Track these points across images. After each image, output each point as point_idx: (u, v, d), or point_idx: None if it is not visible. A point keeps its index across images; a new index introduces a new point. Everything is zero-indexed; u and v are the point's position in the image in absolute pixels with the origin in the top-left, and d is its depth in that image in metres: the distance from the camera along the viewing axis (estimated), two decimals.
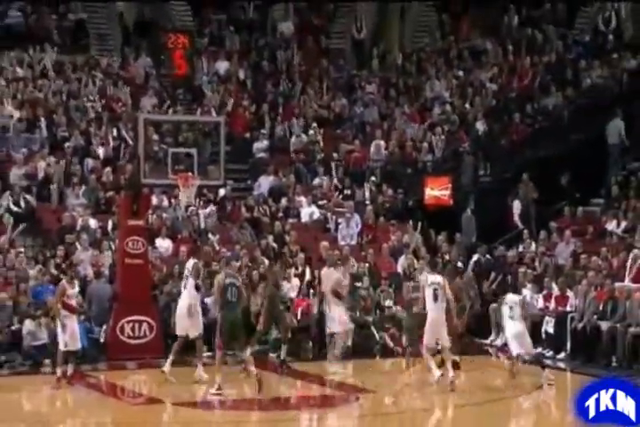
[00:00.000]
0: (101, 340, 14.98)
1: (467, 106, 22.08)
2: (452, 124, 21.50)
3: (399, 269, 17.64)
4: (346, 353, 15.21)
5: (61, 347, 13.10)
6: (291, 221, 18.63)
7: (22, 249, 16.18)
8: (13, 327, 14.66)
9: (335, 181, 20.12)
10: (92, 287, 15.46)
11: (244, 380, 13.36)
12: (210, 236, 17.49)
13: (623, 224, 17.81)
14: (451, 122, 21.59)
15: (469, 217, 19.38)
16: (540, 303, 16.24)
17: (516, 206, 19.48)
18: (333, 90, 22.85)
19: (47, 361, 14.51)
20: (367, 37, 25.25)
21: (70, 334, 13.11)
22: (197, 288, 13.52)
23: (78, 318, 13.51)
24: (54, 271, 15.85)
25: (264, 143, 20.86)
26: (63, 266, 15.77)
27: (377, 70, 23.91)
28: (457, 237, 18.61)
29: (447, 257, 17.41)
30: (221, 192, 18.81)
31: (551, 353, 15.57)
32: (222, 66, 22.90)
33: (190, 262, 13.68)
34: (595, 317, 15.21)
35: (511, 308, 13.41)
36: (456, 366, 13.68)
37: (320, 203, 19.33)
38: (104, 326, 15.09)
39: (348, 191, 19.70)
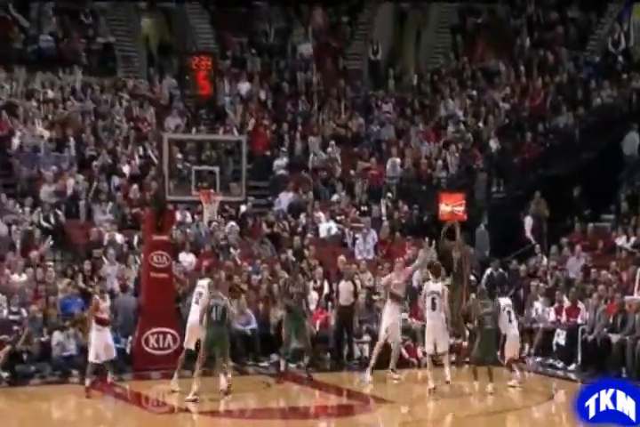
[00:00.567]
0: (127, 351, 15.08)
1: (480, 124, 22.16)
2: (466, 142, 21.59)
3: (414, 283, 17.65)
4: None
5: (92, 359, 13.24)
6: (309, 236, 18.73)
7: (52, 263, 16.35)
8: (43, 339, 14.81)
9: (353, 197, 20.25)
10: (119, 300, 15.59)
11: (264, 390, 13.45)
12: (231, 250, 17.61)
13: (633, 239, 17.84)
14: (465, 140, 21.68)
15: (483, 232, 19.42)
16: (552, 316, 16.24)
17: (528, 222, 19.51)
18: (351, 109, 23.00)
19: (75, 372, 14.67)
20: (383, 58, 25.45)
21: (105, 346, 13.30)
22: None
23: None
24: (82, 285, 16.02)
25: (284, 161, 21.02)
26: (94, 280, 15.91)
27: (393, 90, 24.07)
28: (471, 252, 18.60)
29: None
30: (243, 208, 18.96)
31: (562, 364, 15.57)
32: (244, 87, 23.11)
33: (205, 281, 13.68)
34: (605, 329, 15.22)
35: (509, 312, 13.50)
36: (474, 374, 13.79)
37: (338, 218, 19.45)
38: (130, 338, 15.20)
39: (364, 207, 19.82)
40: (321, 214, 19.39)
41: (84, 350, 14.71)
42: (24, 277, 15.84)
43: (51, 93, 21.22)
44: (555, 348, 15.79)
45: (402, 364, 15.67)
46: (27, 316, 14.87)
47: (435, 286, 13.43)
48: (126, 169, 19.51)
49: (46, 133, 19.81)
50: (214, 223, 18.12)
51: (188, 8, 25.41)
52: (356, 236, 18.89)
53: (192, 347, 13.55)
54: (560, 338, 15.78)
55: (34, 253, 16.38)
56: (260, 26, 25.46)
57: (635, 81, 21.98)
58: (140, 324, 15.29)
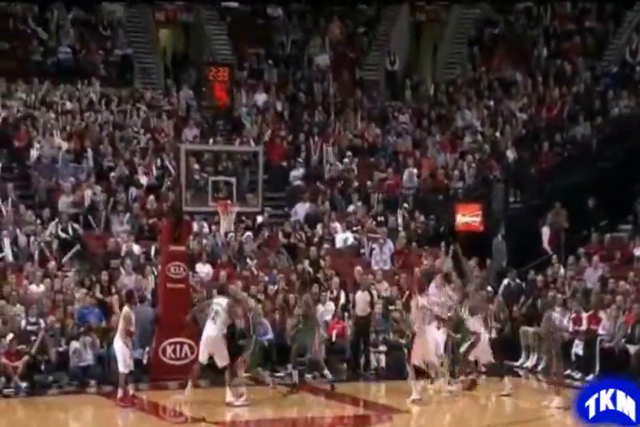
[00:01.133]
0: (144, 361, 15.15)
1: (497, 135, 22.15)
2: (483, 153, 21.59)
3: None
4: None
5: (123, 369, 13.36)
6: (326, 246, 18.77)
7: (69, 273, 16.45)
8: (61, 349, 14.91)
9: (370, 207, 20.28)
10: (136, 311, 15.57)
11: (280, 399, 13.50)
12: (248, 261, 17.68)
13: None
14: (481, 150, 21.68)
15: (500, 242, 19.39)
16: (570, 326, 16.21)
17: (546, 232, 19.48)
18: (367, 120, 23.05)
19: (93, 382, 14.77)
20: (400, 69, 25.53)
21: (131, 357, 13.43)
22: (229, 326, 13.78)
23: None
24: (99, 295, 16.12)
25: (300, 171, 21.09)
26: (111, 291, 16.01)
27: (410, 101, 24.12)
28: (487, 263, 18.63)
29: (478, 281, 17.41)
30: (259, 219, 19.04)
31: (580, 375, 15.54)
32: (261, 98, 23.23)
33: (223, 300, 13.72)
34: (623, 340, 15.17)
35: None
36: (474, 385, 13.76)
37: (354, 229, 19.49)
38: (147, 348, 15.27)
39: (381, 218, 19.83)
40: (337, 225, 19.45)
41: (101, 360, 14.86)
42: (42, 287, 15.95)
43: (69, 105, 21.39)
44: (573, 358, 15.75)
45: (419, 375, 15.70)
46: (44, 326, 14.96)
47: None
48: (144, 180, 19.63)
49: (64, 145, 19.97)
50: (231, 234, 18.18)
51: (206, 19, 25.58)
52: (373, 246, 18.92)
53: (205, 361, 13.61)
54: (578, 348, 15.75)
55: (52, 264, 16.49)
56: (277, 37, 25.60)
57: None
58: (157, 334, 15.36)
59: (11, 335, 14.61)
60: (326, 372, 14.28)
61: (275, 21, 25.87)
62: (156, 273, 16.59)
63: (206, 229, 18.60)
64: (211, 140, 21.07)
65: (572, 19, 24.92)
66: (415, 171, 21.20)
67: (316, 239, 19.02)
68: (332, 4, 26.16)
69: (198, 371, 13.64)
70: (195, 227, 18.05)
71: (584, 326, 15.98)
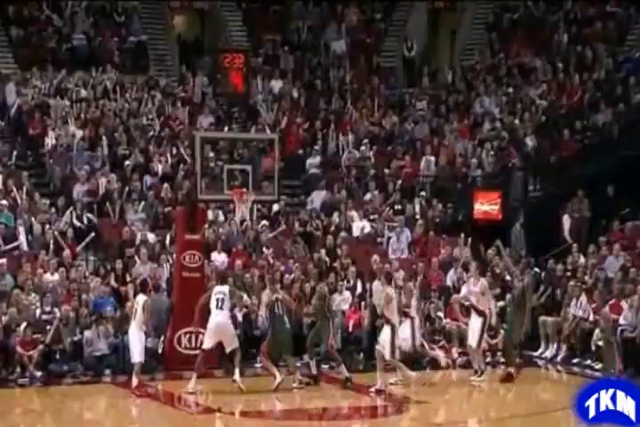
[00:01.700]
0: (159, 351, 15.17)
1: (516, 122, 21.99)
2: (502, 140, 21.45)
3: (448, 283, 17.63)
4: None
5: (140, 359, 13.39)
6: (342, 235, 18.73)
7: (84, 262, 16.48)
8: (76, 338, 14.95)
9: (387, 196, 20.23)
10: (151, 300, 15.64)
11: (297, 390, 13.49)
12: (264, 249, 17.66)
13: None
14: (500, 138, 21.54)
15: (519, 231, 19.30)
16: (591, 317, 16.12)
17: (566, 221, 19.37)
18: (384, 107, 22.95)
19: (107, 371, 14.80)
20: (418, 55, 25.39)
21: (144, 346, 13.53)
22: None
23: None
24: (114, 284, 16.15)
25: (317, 159, 21.04)
26: (126, 279, 16.02)
27: (427, 88, 23.98)
28: (506, 251, 18.52)
29: (497, 271, 17.38)
30: (275, 207, 19.00)
31: (600, 366, 15.43)
32: (277, 85, 23.15)
33: (225, 288, 13.91)
34: None
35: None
36: (510, 377, 13.73)
37: (371, 217, 19.42)
38: (162, 338, 15.28)
39: (398, 206, 19.76)
40: (354, 213, 19.38)
41: (115, 350, 14.88)
42: (56, 276, 15.99)
43: (83, 92, 21.39)
44: (593, 348, 15.65)
45: (436, 365, 15.69)
46: (58, 315, 15.00)
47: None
48: (158, 168, 19.62)
49: (79, 133, 19.98)
50: (246, 222, 18.17)
51: (221, 6, 25.50)
52: (390, 235, 18.87)
53: (210, 347, 13.66)
54: (599, 339, 15.63)
55: (66, 253, 16.52)
56: (293, 23, 25.49)
57: None
58: (172, 324, 15.38)
59: (25, 324, 14.64)
60: (342, 368, 14.17)
61: (291, 7, 25.76)
62: (171, 262, 16.61)
63: (222, 218, 18.59)
64: (226, 128, 21.03)
65: (594, 4, 24.67)
66: (433, 159, 21.11)
67: (332, 228, 18.97)
68: None
69: (203, 361, 13.61)
70: (210, 215, 18.01)
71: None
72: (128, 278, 16.24)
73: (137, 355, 13.55)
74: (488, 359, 15.86)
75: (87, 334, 14.92)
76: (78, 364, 14.79)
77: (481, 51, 25.08)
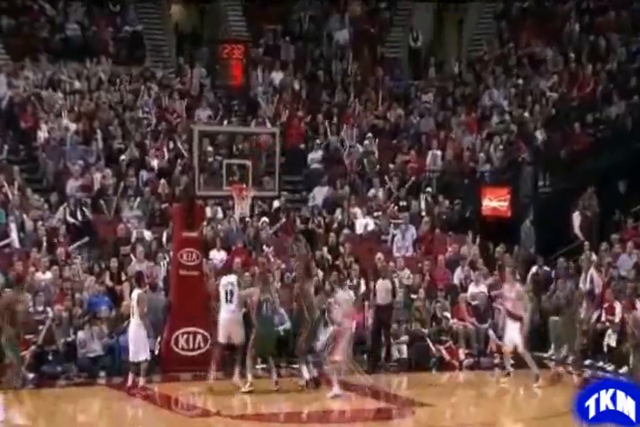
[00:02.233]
0: (156, 351, 15.22)
1: (526, 115, 22.00)
2: (511, 134, 21.46)
3: (455, 282, 17.67)
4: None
5: (145, 357, 13.51)
6: (345, 232, 18.79)
7: (77, 260, 16.52)
8: (69, 339, 14.99)
9: (392, 192, 20.25)
10: (148, 298, 15.68)
11: (297, 393, 13.55)
12: (264, 247, 17.69)
13: None
14: (509, 131, 21.55)
15: (528, 228, 19.31)
16: (602, 316, 16.17)
17: (577, 218, 19.40)
18: (389, 100, 22.98)
19: (102, 373, 14.85)
20: (423, 46, 25.40)
21: (144, 344, 13.61)
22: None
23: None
24: (109, 283, 16.20)
25: (319, 154, 21.07)
26: (122, 278, 16.07)
27: (433, 79, 24.00)
28: (515, 249, 18.57)
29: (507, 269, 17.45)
30: (276, 204, 19.04)
31: (613, 367, 15.48)
32: (277, 76, 23.17)
33: (233, 277, 14.14)
34: None
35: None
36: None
37: (375, 214, 19.47)
38: (159, 338, 15.34)
39: (403, 202, 19.81)
40: (357, 210, 19.43)
41: (110, 351, 14.93)
42: (49, 274, 16.03)
43: (77, 84, 21.42)
44: (605, 349, 15.70)
45: (442, 366, 15.74)
46: (51, 315, 15.06)
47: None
48: (155, 163, 19.66)
49: (73, 126, 20.01)
50: (246, 219, 18.20)
51: None
52: (395, 232, 18.92)
53: (224, 341, 13.77)
54: (611, 339, 15.68)
55: (60, 250, 16.57)
56: (294, 13, 25.50)
57: None
58: (169, 324, 15.41)
59: None
60: (304, 369, 13.99)
61: None
62: (168, 260, 16.63)
63: (220, 215, 18.64)
64: (225, 121, 21.06)
65: None
66: (439, 153, 21.14)
67: (335, 225, 19.02)
68: None
69: (220, 355, 13.69)
70: (208, 212, 18.05)
71: (618, 316, 15.88)
72: (123, 277, 16.28)
73: (142, 353, 13.62)
74: (496, 360, 15.93)
75: (81, 334, 14.95)
76: (72, 365, 14.82)
77: (489, 41, 25.09)
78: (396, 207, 19.70)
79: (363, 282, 17.01)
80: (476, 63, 24.28)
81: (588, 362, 15.94)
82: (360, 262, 17.57)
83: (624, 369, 15.08)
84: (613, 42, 23.23)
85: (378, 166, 20.92)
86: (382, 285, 15.88)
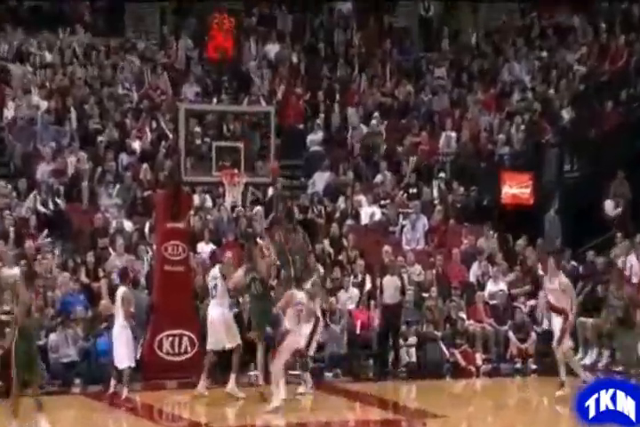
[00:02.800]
0: (137, 356, 15.15)
1: (550, 92, 21.99)
2: (534, 113, 21.41)
3: (472, 278, 17.63)
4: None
5: (128, 364, 13.38)
6: (349, 222, 18.75)
7: (49, 255, 16.46)
8: (41, 342, 14.89)
9: (401, 177, 20.18)
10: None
11: (295, 402, 13.51)
12: (258, 240, 17.62)
13: None
14: (532, 110, 21.50)
15: (553, 218, 19.31)
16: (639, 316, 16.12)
17: (608, 206, 19.37)
18: (398, 75, 22.90)
19: (77, 381, 14.80)
20: (436, 15, 25.28)
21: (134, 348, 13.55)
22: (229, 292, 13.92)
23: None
24: (85, 279, 16.14)
25: (319, 135, 21.00)
26: (99, 274, 16.00)
27: (447, 52, 23.92)
28: (539, 242, 18.52)
29: (529, 264, 17.43)
30: (271, 191, 18.96)
31: None
32: (273, 49, 23.08)
33: (215, 269, 14.06)
34: None
35: None
36: None
37: (382, 203, 19.44)
38: (140, 341, 15.29)
39: (413, 189, 19.77)
40: (362, 198, 19.39)
41: (87, 356, 14.87)
42: (16, 270, 15.94)
43: (49, 57, 21.33)
44: None
45: (457, 373, 15.70)
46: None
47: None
48: (136, 145, 19.58)
49: (43, 104, 19.94)
50: (238, 208, 18.15)
51: None
52: (404, 222, 18.91)
53: (216, 348, 13.67)
54: None
55: (29, 243, 16.50)
56: None
57: None
58: (152, 325, 15.39)
59: None
60: (259, 378, 13.97)
61: None
62: (151, 254, 16.61)
63: (209, 203, 18.59)
64: (214, 99, 20.99)
65: None
66: (454, 134, 21.09)
67: (337, 215, 18.99)
68: None
69: (209, 364, 13.64)
70: (196, 200, 18.02)
71: None
72: (101, 273, 16.21)
73: (127, 359, 13.54)
74: (518, 365, 15.90)
75: (53, 337, 14.88)
76: (43, 372, 14.76)
77: (510, 9, 25.00)
78: (405, 195, 19.66)
79: (368, 279, 16.98)
80: (495, 34, 24.20)
81: (620, 369, 15.89)
82: (365, 257, 17.56)
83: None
84: None
85: (385, 149, 20.86)
86: (390, 281, 15.85)
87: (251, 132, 19.32)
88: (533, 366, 15.34)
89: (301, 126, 21.40)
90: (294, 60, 23.01)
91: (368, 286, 16.87)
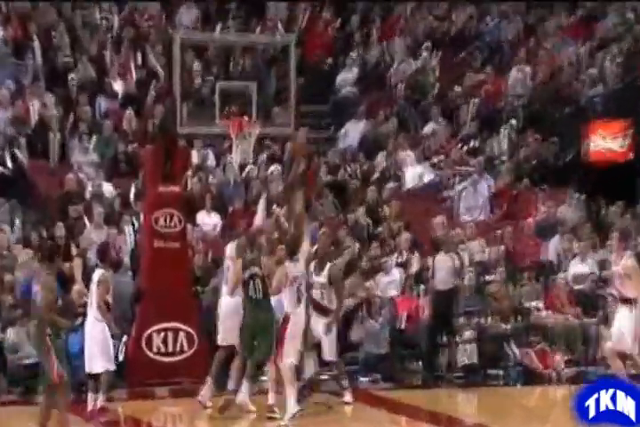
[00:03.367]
0: (120, 357, 15.31)
1: None
2: (636, 42, 21.26)
3: (550, 257, 17.65)
4: None
5: (106, 367, 13.50)
6: (390, 186, 18.80)
7: (5, 227, 16.54)
8: None
9: (458, 127, 20.23)
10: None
11: (324, 414, 13.64)
12: (275, 208, 17.69)
13: None
14: (632, 37, 21.34)
15: None
16: None
17: None
18: None
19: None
20: None
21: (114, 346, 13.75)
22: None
23: None
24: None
25: (353, 73, 21.02)
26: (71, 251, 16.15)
27: None
28: (638, 209, 18.53)
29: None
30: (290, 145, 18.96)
31: None
32: None
33: (231, 246, 13.97)
34: None
35: None
36: None
37: (433, 160, 19.53)
38: (124, 338, 15.42)
39: (474, 142, 19.81)
40: (408, 153, 19.43)
41: None
42: None
43: None
44: None
45: (531, 378, 15.76)
46: None
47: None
48: (118, 86, 19.66)
49: None
50: (249, 167, 18.19)
51: None
52: (462, 185, 18.95)
53: (227, 343, 13.77)
54: None
55: None
56: None
57: None
58: (139, 317, 15.52)
59: None
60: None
61: None
62: (137, 226, 16.70)
63: (212, 161, 18.67)
64: (218, 27, 20.98)
65: None
66: (528, 70, 21.08)
67: (375, 176, 19.03)
68: None
69: (218, 365, 13.81)
70: (195, 157, 18.12)
71: None
72: (74, 250, 16.31)
73: (103, 361, 13.61)
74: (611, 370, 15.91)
75: (11, 333, 14.99)
76: (0, 377, 14.92)
77: None
78: (463, 149, 19.70)
79: (415, 258, 17.04)
80: None
81: None
82: (411, 229, 17.60)
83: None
84: None
85: (437, 90, 20.88)
86: (443, 261, 15.86)
87: (265, 70, 19.29)
88: (632, 371, 15.32)
89: (330, 62, 21.39)
90: None
91: (415, 267, 16.94)
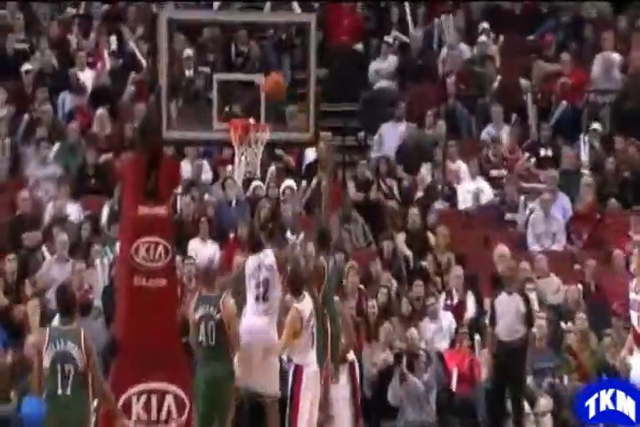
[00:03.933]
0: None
1: None
2: None
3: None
4: None
5: None
6: (439, 206, 18.93)
7: None
8: None
9: (526, 130, 20.30)
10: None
11: None
12: (288, 234, 17.76)
13: None
14: None
15: None
16: None
17: None
18: None
19: None
20: None
21: None
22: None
23: None
24: (3, 301, 16.34)
25: (390, 62, 21.16)
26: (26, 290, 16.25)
27: None
28: None
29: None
30: (310, 155, 19.14)
31: None
32: None
33: (267, 256, 14.38)
34: None
35: None
36: None
37: (494, 173, 19.60)
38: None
39: (547, 150, 19.89)
40: (461, 165, 19.56)
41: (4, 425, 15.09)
42: None
43: None
44: None
45: None
46: None
47: None
48: (87, 77, 19.88)
49: None
50: (256, 183, 18.31)
51: None
52: (531, 206, 19.03)
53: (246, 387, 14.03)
54: None
55: None
56: None
57: None
58: (114, 375, 15.53)
59: None
60: None
61: None
62: (111, 258, 16.81)
63: (209, 175, 18.83)
64: (216, 4, 21.11)
65: None
66: (617, 57, 21.21)
67: (419, 193, 19.13)
68: None
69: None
70: (187, 170, 18.25)
71: None
72: (29, 290, 16.44)
73: None
74: None
75: None
76: None
77: None
78: (533, 159, 19.79)
79: (471, 299, 17.20)
80: None
81: None
82: (466, 263, 17.75)
83: None
84: None
85: (499, 83, 21.01)
86: (507, 304, 15.84)
87: (276, 58, 19.38)
88: None
89: (360, 47, 21.57)
90: None
91: (471, 311, 17.09)
